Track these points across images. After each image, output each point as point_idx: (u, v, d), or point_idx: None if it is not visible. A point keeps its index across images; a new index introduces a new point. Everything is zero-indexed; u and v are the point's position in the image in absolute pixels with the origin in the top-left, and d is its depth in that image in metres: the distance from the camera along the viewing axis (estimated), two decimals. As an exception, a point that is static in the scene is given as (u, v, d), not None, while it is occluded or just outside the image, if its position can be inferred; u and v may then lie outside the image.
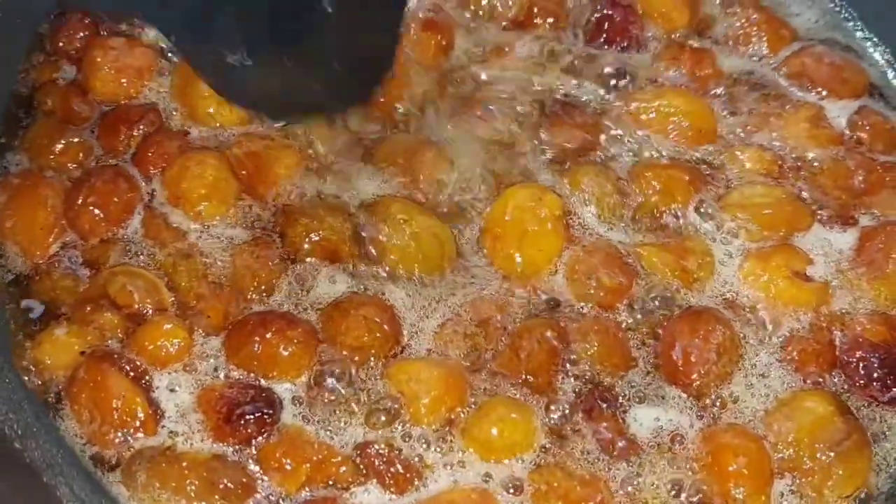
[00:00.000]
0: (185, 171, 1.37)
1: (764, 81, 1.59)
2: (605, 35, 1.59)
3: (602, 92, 1.54)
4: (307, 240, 1.34)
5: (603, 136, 1.49)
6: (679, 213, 1.42)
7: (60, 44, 1.51)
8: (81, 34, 1.50)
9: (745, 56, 1.62)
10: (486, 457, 1.21)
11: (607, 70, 1.56)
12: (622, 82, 1.54)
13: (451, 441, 1.22)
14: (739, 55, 1.62)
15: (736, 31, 1.64)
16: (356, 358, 1.26)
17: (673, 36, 1.62)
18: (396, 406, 1.23)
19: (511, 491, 1.20)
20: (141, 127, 1.42)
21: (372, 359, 1.27)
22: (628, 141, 1.49)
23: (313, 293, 1.32)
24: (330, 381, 1.25)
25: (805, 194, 1.46)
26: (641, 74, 1.56)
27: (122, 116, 1.44)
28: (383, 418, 1.23)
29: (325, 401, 1.24)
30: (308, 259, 1.34)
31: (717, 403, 1.28)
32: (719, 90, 1.56)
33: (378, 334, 1.27)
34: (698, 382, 1.28)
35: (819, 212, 1.44)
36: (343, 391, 1.25)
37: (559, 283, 1.35)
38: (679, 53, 1.58)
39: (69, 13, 1.51)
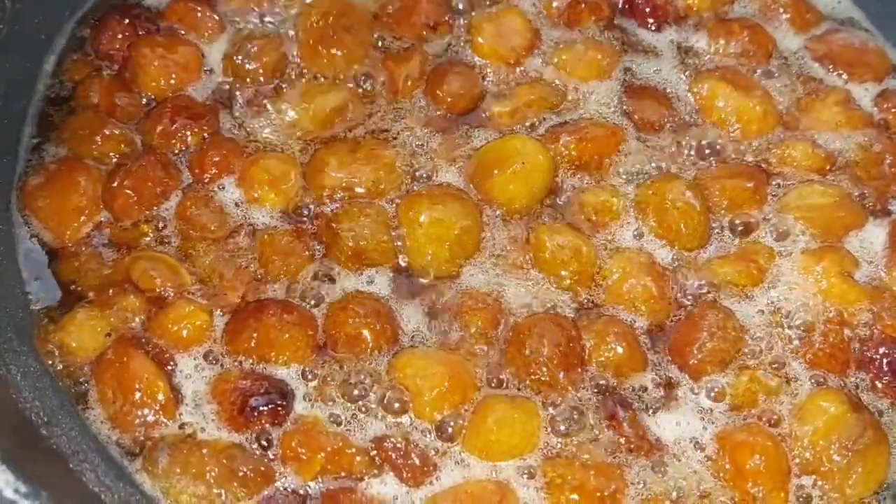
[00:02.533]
0: (259, 166, 1.40)
1: (794, 64, 1.56)
2: (636, 19, 1.59)
3: (668, 74, 1.54)
4: (348, 251, 1.35)
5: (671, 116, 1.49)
6: (741, 222, 1.41)
7: (101, 44, 1.51)
8: (122, 34, 1.51)
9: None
10: (489, 460, 1.22)
11: (666, 52, 1.56)
12: (685, 64, 1.55)
13: (457, 436, 1.23)
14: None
15: (761, 12, 1.61)
16: (355, 349, 1.27)
17: (705, 15, 1.60)
18: (404, 399, 1.24)
19: (526, 480, 1.21)
20: (205, 127, 1.44)
21: (373, 350, 1.27)
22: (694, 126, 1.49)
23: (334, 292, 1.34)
24: (335, 372, 1.26)
25: (854, 190, 1.44)
26: (701, 54, 1.56)
27: (177, 111, 1.44)
28: (394, 407, 1.24)
29: (335, 392, 1.25)
30: (345, 267, 1.35)
31: (736, 402, 1.28)
32: (775, 65, 1.55)
33: (374, 327, 1.28)
34: (695, 362, 1.28)
35: (869, 208, 1.43)
36: (351, 382, 1.26)
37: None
38: (733, 28, 1.57)
39: (107, 15, 1.53)
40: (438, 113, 1.48)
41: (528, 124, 1.47)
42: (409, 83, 1.49)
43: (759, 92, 1.50)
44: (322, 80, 1.49)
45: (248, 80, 1.49)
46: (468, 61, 1.53)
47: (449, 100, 1.48)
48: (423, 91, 1.50)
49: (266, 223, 1.38)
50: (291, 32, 1.53)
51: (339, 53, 1.49)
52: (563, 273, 1.34)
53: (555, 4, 1.58)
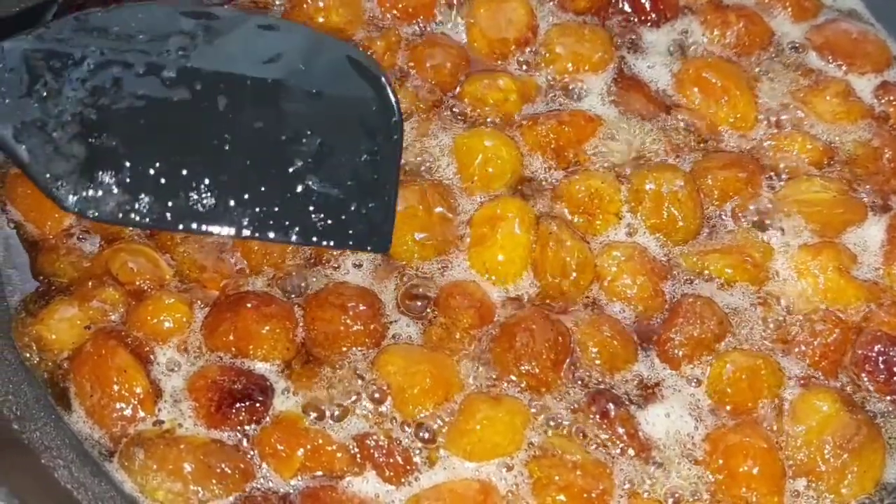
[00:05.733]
0: None
1: (792, 55, 1.53)
2: (636, 13, 1.55)
3: (661, 69, 1.50)
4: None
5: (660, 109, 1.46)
6: (735, 214, 1.38)
7: None
8: None
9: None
10: (472, 459, 1.19)
11: (661, 46, 1.53)
12: (677, 58, 1.51)
13: (441, 435, 1.21)
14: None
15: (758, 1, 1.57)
16: (336, 344, 1.24)
17: (702, 2, 1.56)
18: (386, 396, 1.22)
19: (511, 479, 1.18)
20: None
21: (354, 345, 1.24)
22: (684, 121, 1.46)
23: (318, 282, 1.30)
24: (316, 366, 1.24)
25: (853, 185, 1.41)
26: (695, 46, 1.53)
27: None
28: (376, 404, 1.21)
29: (316, 387, 1.22)
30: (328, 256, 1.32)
31: (726, 398, 1.24)
32: (768, 54, 1.52)
33: (356, 321, 1.25)
34: (675, 350, 1.26)
35: (868, 203, 1.40)
36: (331, 378, 1.23)
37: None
38: (729, 18, 1.53)
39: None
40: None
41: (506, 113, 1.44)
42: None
43: (743, 86, 1.46)
44: None
45: None
46: (458, 41, 1.50)
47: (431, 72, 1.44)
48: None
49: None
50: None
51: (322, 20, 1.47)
52: (562, 282, 1.31)
53: None
